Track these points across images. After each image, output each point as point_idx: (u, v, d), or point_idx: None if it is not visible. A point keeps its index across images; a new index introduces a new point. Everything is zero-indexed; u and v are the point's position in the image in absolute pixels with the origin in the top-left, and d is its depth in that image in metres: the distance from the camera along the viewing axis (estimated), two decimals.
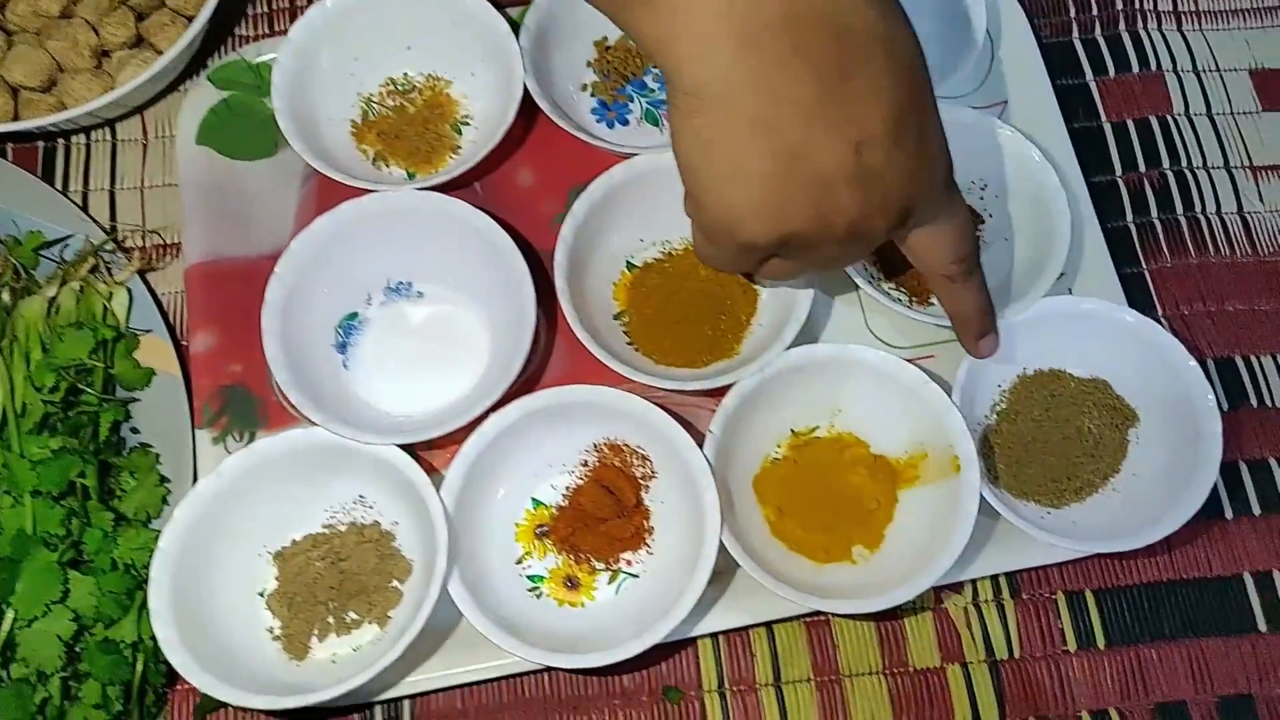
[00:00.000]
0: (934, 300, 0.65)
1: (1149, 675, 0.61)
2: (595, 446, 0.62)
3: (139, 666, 0.57)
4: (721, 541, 0.56)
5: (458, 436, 0.59)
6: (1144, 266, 0.70)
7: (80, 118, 0.67)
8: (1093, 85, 0.75)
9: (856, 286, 0.63)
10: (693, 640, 0.61)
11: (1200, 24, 0.77)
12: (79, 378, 0.60)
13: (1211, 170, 0.73)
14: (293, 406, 0.59)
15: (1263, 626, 0.62)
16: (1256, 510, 0.65)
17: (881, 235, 0.50)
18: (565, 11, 0.68)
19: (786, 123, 0.45)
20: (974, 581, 0.63)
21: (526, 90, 0.65)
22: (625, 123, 0.70)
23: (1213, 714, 0.61)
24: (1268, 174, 0.73)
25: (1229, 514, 0.65)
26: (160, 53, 0.69)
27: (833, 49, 0.44)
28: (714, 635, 0.61)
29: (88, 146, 0.71)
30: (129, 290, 0.64)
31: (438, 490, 0.58)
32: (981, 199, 0.67)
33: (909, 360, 0.61)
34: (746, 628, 0.61)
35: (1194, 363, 0.60)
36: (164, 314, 0.65)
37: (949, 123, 0.64)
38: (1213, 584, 0.63)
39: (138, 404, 0.63)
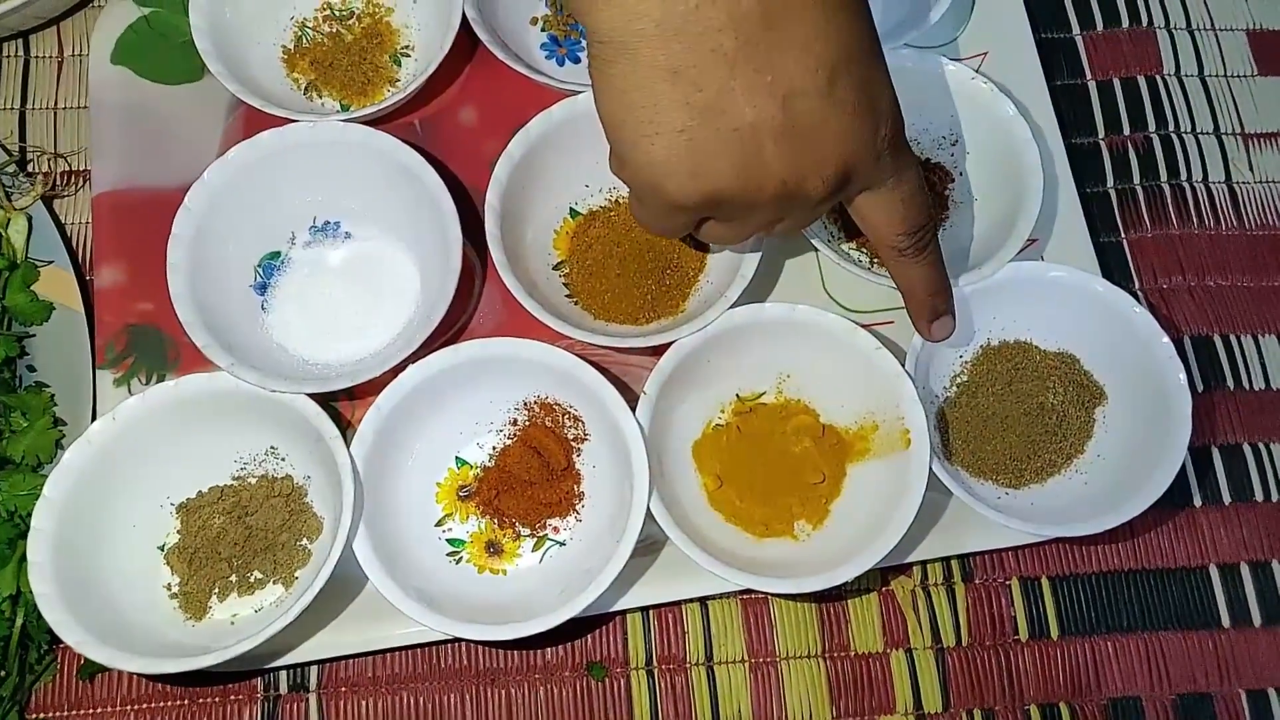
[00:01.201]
0: None
1: (1103, 669, 0.58)
2: (526, 405, 0.58)
3: (18, 621, 0.53)
4: (651, 510, 0.53)
5: (379, 388, 0.55)
6: (1123, 235, 0.66)
7: None
8: (1079, 40, 0.70)
9: (815, 246, 0.59)
10: (621, 614, 0.58)
11: None
12: None
13: (1200, 136, 0.69)
14: (199, 349, 0.55)
15: (1226, 622, 0.59)
16: (1226, 499, 0.61)
17: (821, 198, 0.46)
18: None
19: (704, 72, 0.42)
20: (924, 564, 0.59)
21: (470, 21, 0.60)
22: (577, 60, 0.66)
23: (1169, 712, 0.57)
24: (1260, 142, 0.69)
25: (1197, 501, 0.61)
26: None
27: None
28: (643, 609, 0.58)
29: None
30: (29, 217, 0.60)
31: (352, 444, 0.54)
32: (952, 155, 0.63)
33: (866, 325, 0.57)
34: (678, 603, 0.58)
35: (1166, 338, 0.56)
36: (69, 245, 0.61)
37: (919, 72, 0.61)
38: (1176, 575, 0.60)
39: (34, 340, 0.59)
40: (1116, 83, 0.70)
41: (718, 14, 0.41)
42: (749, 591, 0.58)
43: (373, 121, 0.60)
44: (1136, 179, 0.67)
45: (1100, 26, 0.71)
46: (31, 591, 0.51)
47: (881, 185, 0.48)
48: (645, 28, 0.42)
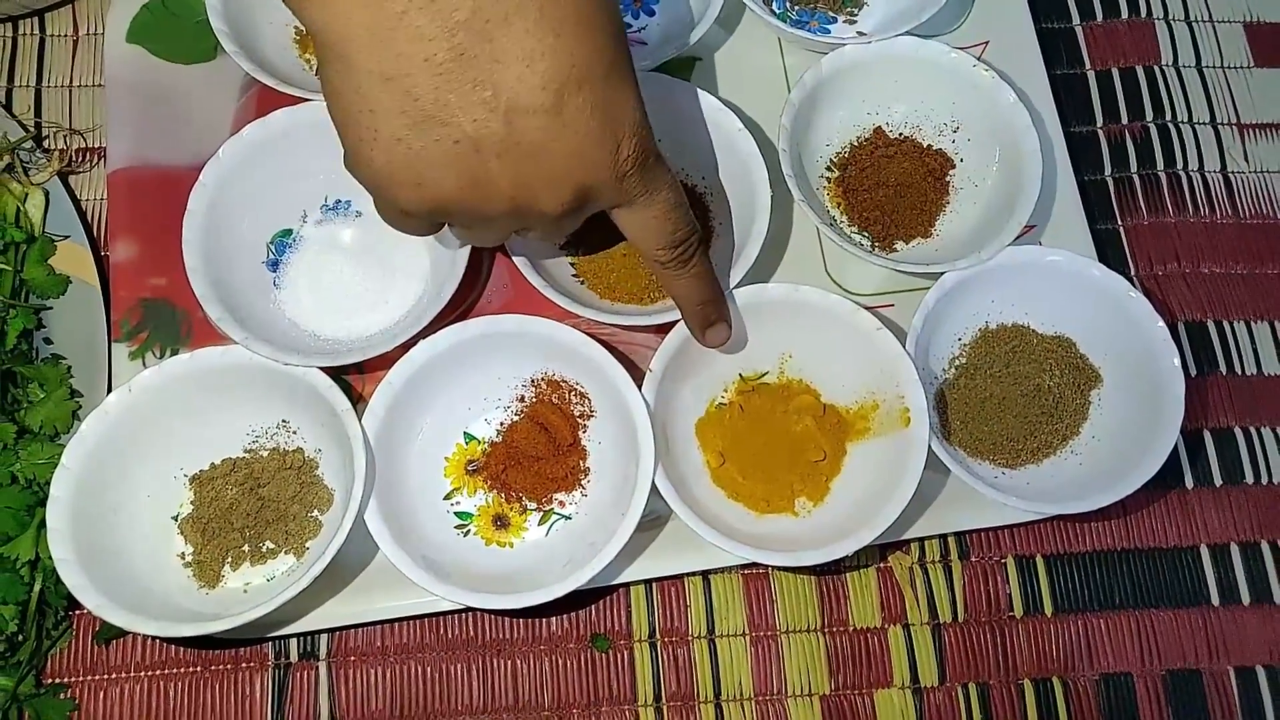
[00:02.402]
0: (897, 246, 0.62)
1: (1095, 645, 0.59)
2: (533, 381, 0.59)
3: (37, 586, 0.54)
4: (656, 485, 0.54)
5: (389, 363, 0.56)
6: (1119, 223, 0.67)
7: (2, 5, 0.63)
8: (1079, 30, 0.72)
9: (817, 228, 0.60)
10: (625, 587, 0.59)
11: None
12: None
13: (1197, 126, 0.70)
14: (213, 322, 0.56)
15: (1216, 600, 0.60)
16: (1218, 481, 0.62)
17: (559, 215, 0.46)
18: None
19: (417, 83, 0.41)
20: (922, 541, 0.60)
21: None
22: None
23: (1159, 687, 0.59)
24: (1255, 132, 0.70)
25: (1189, 483, 0.62)
26: None
27: (467, 3, 0.40)
28: (647, 583, 0.59)
29: (14, 40, 0.67)
30: (46, 193, 0.61)
31: (363, 418, 0.55)
32: (953, 141, 0.64)
33: (867, 307, 0.58)
34: (681, 576, 0.59)
35: (1161, 323, 0.58)
36: (84, 220, 0.62)
37: (922, 60, 0.62)
38: (1167, 555, 0.61)
39: (51, 313, 0.60)
40: (1115, 72, 0.71)
41: (428, 23, 0.40)
42: (750, 566, 0.59)
43: None
44: (1134, 167, 0.69)
45: (1100, 17, 0.72)
46: (50, 557, 0.52)
47: (633, 203, 0.48)
48: (355, 31, 0.40)
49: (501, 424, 0.59)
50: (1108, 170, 0.69)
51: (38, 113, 0.65)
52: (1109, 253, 0.66)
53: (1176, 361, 0.57)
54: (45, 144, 0.65)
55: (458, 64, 0.41)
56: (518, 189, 0.44)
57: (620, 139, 0.45)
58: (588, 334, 0.56)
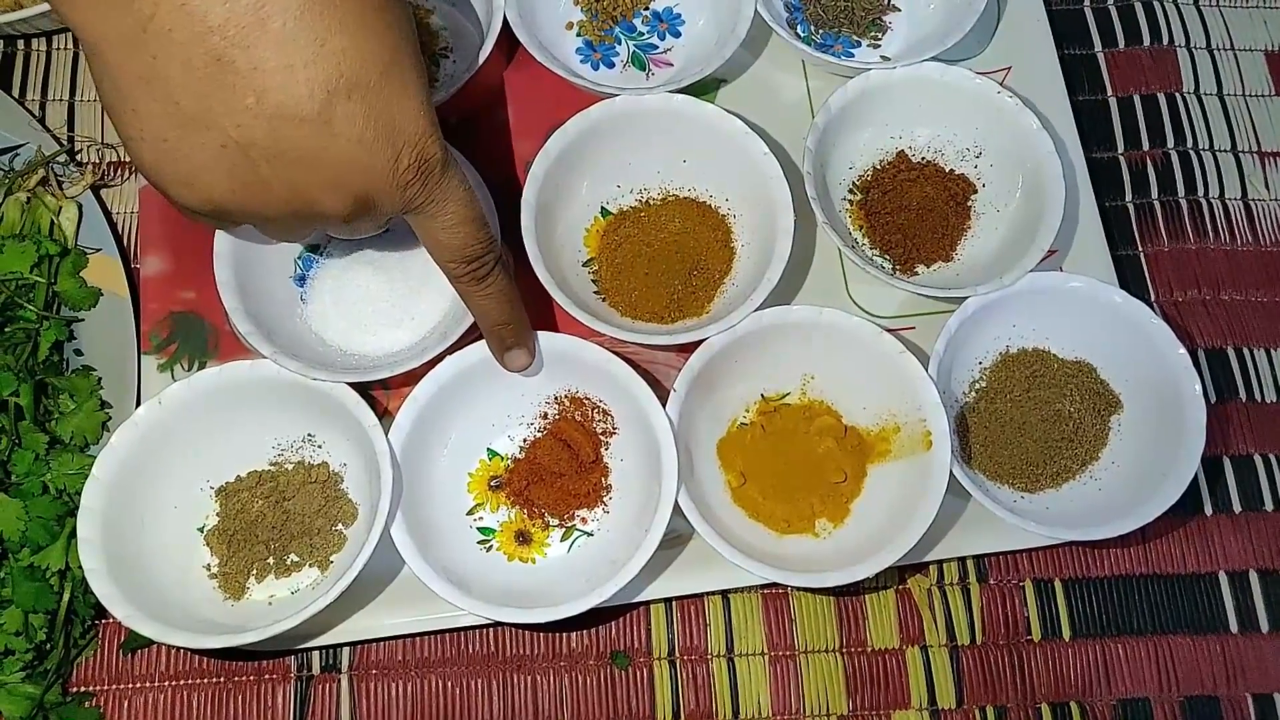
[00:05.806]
0: (918, 270, 0.63)
1: (1113, 670, 0.59)
2: (556, 399, 0.60)
3: (66, 596, 0.55)
4: (678, 504, 0.54)
5: (414, 378, 0.57)
6: (1140, 249, 0.68)
7: (37, 19, 0.64)
8: (1100, 57, 0.72)
9: (839, 250, 0.60)
10: (645, 605, 0.59)
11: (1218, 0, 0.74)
12: (18, 292, 0.58)
13: (1218, 153, 0.70)
14: (242, 336, 0.57)
15: (1234, 628, 0.61)
16: (1237, 508, 0.63)
17: (345, 216, 0.45)
18: None
19: (175, 86, 0.41)
20: (940, 563, 0.61)
21: (508, 24, 0.62)
22: (611, 65, 0.67)
23: (1177, 713, 0.59)
24: (1276, 160, 0.70)
25: (1208, 510, 0.62)
26: None
27: (220, 8, 0.40)
28: (667, 601, 0.59)
29: (48, 55, 0.68)
30: (79, 206, 0.62)
31: (388, 433, 0.55)
32: (976, 166, 0.64)
33: (888, 329, 0.58)
34: (701, 595, 0.59)
35: (1182, 349, 0.58)
36: (116, 233, 0.63)
37: (946, 86, 0.63)
38: (1186, 581, 0.61)
39: (82, 324, 0.60)
40: (1137, 99, 0.71)
41: (179, 27, 0.40)
42: (770, 586, 0.59)
43: None
44: (1155, 193, 0.69)
45: (1122, 44, 0.72)
46: (80, 567, 0.52)
47: (420, 212, 0.47)
48: (108, 32, 0.40)
49: (525, 440, 0.60)
50: (1129, 196, 0.69)
51: (71, 127, 0.66)
52: (1130, 278, 0.66)
53: (1198, 388, 0.57)
54: (79, 158, 0.65)
55: (216, 69, 0.40)
56: (293, 194, 0.44)
57: (400, 148, 0.44)
58: (611, 351, 0.57)
